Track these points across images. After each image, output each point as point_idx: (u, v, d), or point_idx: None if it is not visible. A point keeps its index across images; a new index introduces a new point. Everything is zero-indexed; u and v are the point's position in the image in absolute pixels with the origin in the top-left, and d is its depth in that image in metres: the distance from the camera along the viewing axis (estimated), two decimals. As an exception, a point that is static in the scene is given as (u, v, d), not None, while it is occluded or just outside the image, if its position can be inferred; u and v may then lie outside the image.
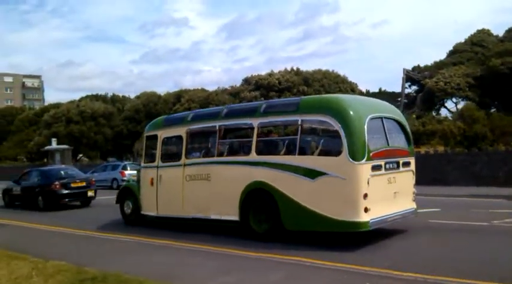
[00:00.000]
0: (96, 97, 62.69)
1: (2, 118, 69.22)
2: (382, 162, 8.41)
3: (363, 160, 7.98)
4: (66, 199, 16.97)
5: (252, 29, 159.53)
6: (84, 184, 17.64)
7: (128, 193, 12.01)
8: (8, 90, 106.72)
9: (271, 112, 9.38)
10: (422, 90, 51.29)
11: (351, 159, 7.95)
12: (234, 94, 52.71)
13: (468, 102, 45.07)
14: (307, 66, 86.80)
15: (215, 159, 9.97)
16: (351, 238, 8.61)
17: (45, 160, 43.93)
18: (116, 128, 49.20)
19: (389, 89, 58.47)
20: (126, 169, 26.39)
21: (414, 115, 45.67)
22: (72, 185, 17.19)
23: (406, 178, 9.20)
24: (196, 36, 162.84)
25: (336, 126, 8.19)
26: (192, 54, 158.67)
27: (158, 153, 11.14)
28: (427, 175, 21.12)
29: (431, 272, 6.26)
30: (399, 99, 53.65)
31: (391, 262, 6.98)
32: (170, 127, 11.15)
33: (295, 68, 55.09)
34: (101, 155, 49.21)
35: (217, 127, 10.05)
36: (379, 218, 8.23)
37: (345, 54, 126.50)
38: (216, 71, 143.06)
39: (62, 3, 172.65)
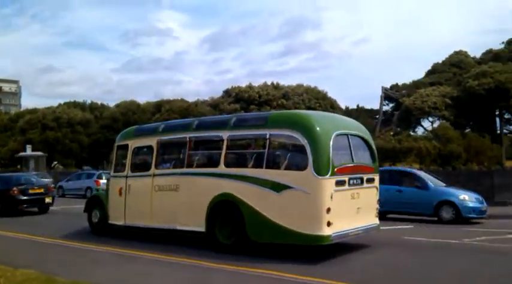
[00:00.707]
0: (74, 104, 61.95)
1: (-24, 123, 68.00)
2: (346, 178, 8.60)
3: (327, 175, 8.16)
4: (24, 205, 17.13)
5: (234, 42, 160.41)
6: (42, 191, 17.83)
7: (96, 202, 11.95)
8: None
9: (241, 126, 9.53)
10: (400, 108, 52.17)
11: (315, 174, 8.12)
12: (214, 106, 52.77)
13: (443, 121, 46.02)
14: (288, 81, 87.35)
15: (184, 170, 10.03)
16: (322, 250, 8.73)
17: (19, 166, 43.23)
18: (93, 136, 48.69)
19: (368, 106, 59.35)
20: (101, 178, 26.09)
21: (391, 133, 46.39)
22: (30, 191, 17.38)
23: (370, 194, 9.41)
24: (179, 46, 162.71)
25: (303, 141, 8.37)
26: (174, 65, 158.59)
27: (128, 162, 11.14)
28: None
29: None
30: (377, 116, 54.46)
31: (361, 276, 7.12)
32: (141, 138, 11.20)
33: (275, 82, 55.57)
34: (76, 163, 48.58)
35: (187, 139, 10.15)
36: (341, 233, 8.39)
37: (326, 70, 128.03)
38: (197, 82, 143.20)
39: (43, 8, 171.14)
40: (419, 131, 53.48)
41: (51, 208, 18.10)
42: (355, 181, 8.86)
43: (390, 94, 53.81)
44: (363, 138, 9.68)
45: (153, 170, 10.50)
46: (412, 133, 51.65)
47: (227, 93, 54.03)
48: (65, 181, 29.90)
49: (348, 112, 56.73)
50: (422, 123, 53.57)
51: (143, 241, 10.45)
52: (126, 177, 11.02)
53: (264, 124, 9.18)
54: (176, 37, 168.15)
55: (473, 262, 8.54)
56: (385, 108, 55.62)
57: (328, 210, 8.08)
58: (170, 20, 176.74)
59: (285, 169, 8.70)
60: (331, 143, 8.36)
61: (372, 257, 8.82)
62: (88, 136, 49.47)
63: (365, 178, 9.19)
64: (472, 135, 38.68)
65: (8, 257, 8.65)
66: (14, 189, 16.93)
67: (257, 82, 54.60)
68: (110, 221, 11.36)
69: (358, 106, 52.15)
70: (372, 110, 57.70)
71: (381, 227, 12.28)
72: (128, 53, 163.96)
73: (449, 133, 35.87)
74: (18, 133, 51.33)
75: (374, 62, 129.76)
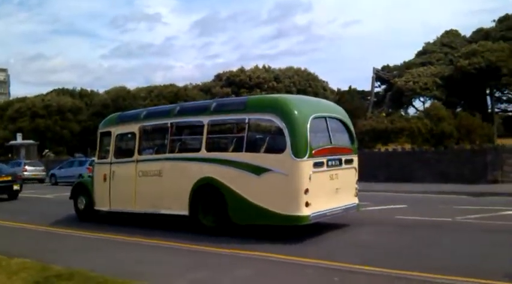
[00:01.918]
0: (63, 92, 61.44)
1: (-36, 112, 67.55)
2: (324, 159, 8.73)
3: (305, 157, 8.29)
4: None
5: (225, 26, 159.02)
6: (10, 178, 18.59)
7: (82, 189, 12.07)
8: None
9: (220, 111, 9.64)
10: (391, 89, 52.35)
11: (293, 156, 8.26)
12: (206, 90, 52.57)
13: (435, 101, 46.22)
14: (279, 64, 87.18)
15: (167, 155, 10.15)
16: (305, 230, 8.91)
17: (10, 155, 43.18)
18: (84, 123, 48.54)
19: (360, 88, 59.37)
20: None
21: (383, 114, 46.57)
22: None
23: (349, 174, 9.57)
24: (168, 32, 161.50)
25: (281, 124, 8.49)
26: (164, 50, 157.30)
27: (112, 149, 11.24)
28: (395, 173, 21.72)
29: (394, 267, 6.40)
30: (369, 97, 54.61)
31: (357, 258, 7.09)
32: (124, 124, 11.28)
33: (266, 65, 55.38)
34: (67, 150, 48.53)
35: (169, 124, 10.25)
36: (319, 212, 8.56)
37: (317, 52, 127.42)
38: (188, 67, 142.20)
39: None
40: (411, 111, 53.75)
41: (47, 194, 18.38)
42: (333, 162, 9.01)
43: (381, 75, 53.93)
44: (341, 120, 9.80)
45: (136, 156, 10.60)
46: (403, 114, 51.96)
47: (218, 77, 54.12)
48: (57, 168, 29.97)
49: (339, 94, 56.85)
50: (414, 104, 53.87)
51: (130, 226, 10.56)
52: (110, 163, 11.12)
53: (243, 108, 9.29)
54: (165, 23, 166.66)
55: (464, 239, 8.58)
56: (376, 89, 55.89)
57: (306, 190, 8.23)
58: (159, 5, 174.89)
59: (264, 152, 8.83)
60: (308, 126, 8.48)
61: (370, 238, 8.82)
62: (79, 123, 49.33)
63: (343, 159, 9.34)
64: (463, 113, 38.80)
65: (2, 246, 8.66)
66: None
67: (248, 66, 54.55)
68: (95, 207, 11.51)
69: (350, 88, 52.15)
70: (363, 92, 57.78)
71: (375, 207, 12.63)
72: (117, 38, 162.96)
73: (440, 113, 35.96)
74: (8, 122, 51.06)
75: (365, 43, 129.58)
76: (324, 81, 55.82)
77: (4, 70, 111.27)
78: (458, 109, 46.31)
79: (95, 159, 12.00)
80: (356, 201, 9.86)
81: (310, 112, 8.79)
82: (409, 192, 17.14)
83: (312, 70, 55.66)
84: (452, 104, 46.64)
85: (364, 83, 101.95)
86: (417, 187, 18.39)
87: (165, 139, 10.45)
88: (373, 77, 52.60)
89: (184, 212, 9.57)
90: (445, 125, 34.05)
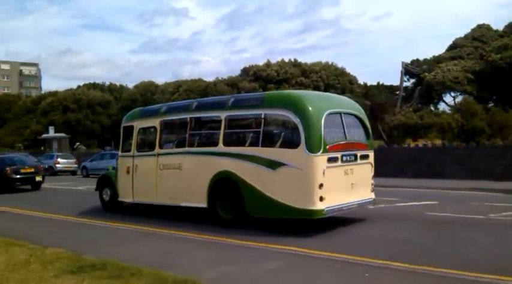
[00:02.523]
0: (93, 86, 62.93)
1: (-1, 106, 69.95)
2: (338, 155, 8.86)
3: (319, 153, 8.44)
4: (18, 183, 19.38)
5: (251, 20, 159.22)
6: (33, 170, 20.00)
7: (107, 181, 12.54)
8: (5, 77, 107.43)
9: (238, 106, 9.86)
10: (421, 83, 51.44)
11: (307, 151, 8.42)
12: (232, 85, 52.68)
13: (466, 95, 45.28)
14: (306, 59, 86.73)
15: (186, 149, 10.45)
16: (330, 225, 9.05)
17: (42, 148, 44.55)
18: (114, 117, 49.61)
19: (388, 82, 58.58)
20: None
21: (411, 109, 45.92)
22: (22, 171, 19.55)
23: (364, 170, 9.66)
24: (195, 26, 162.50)
25: (295, 120, 8.65)
26: (191, 45, 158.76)
27: (134, 143, 11.65)
28: (424, 168, 21.55)
29: (428, 264, 6.30)
30: (397, 92, 53.83)
31: (385, 253, 7.00)
32: (145, 119, 11.65)
33: (293, 60, 54.74)
34: (98, 143, 49.75)
35: (188, 119, 10.55)
36: (334, 207, 8.70)
37: (345, 47, 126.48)
38: (215, 61, 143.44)
39: None
40: (441, 107, 52.71)
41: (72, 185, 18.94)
42: (348, 157, 9.12)
43: (411, 69, 53.03)
44: (356, 116, 9.88)
45: (157, 150, 10.95)
46: (433, 109, 51.05)
47: (245, 71, 53.89)
48: (88, 161, 30.85)
49: (367, 89, 56.22)
50: (444, 98, 52.77)
51: (154, 217, 10.91)
52: (133, 156, 11.52)
53: (259, 104, 9.48)
54: (192, 17, 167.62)
55: (499, 236, 8.43)
56: (405, 84, 54.88)
57: (321, 185, 8.38)
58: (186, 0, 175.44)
59: (280, 147, 9.03)
60: (322, 121, 8.61)
61: (400, 235, 8.69)
62: (109, 117, 50.48)
63: (359, 155, 9.43)
64: (495, 109, 37.96)
65: (32, 236, 8.92)
66: (7, 168, 19.13)
67: (274, 60, 53.98)
68: (119, 199, 11.96)
69: (378, 83, 51.56)
70: (392, 86, 56.98)
71: (405, 203, 12.60)
72: (145, 33, 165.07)
73: (473, 108, 35.25)
74: (40, 116, 52.64)
75: (394, 37, 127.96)
76: (352, 76, 55.30)
77: (35, 64, 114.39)
78: (490, 105, 45.29)
79: (119, 152, 12.43)
80: (372, 196, 9.94)
81: (324, 108, 8.91)
82: (439, 188, 16.81)
83: (340, 64, 55.19)
84: (484, 99, 45.58)
85: (393, 78, 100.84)
86: (447, 183, 18.10)
87: (184, 133, 10.73)
88: (402, 71, 51.70)
89: (203, 204, 9.86)
90: (476, 121, 33.43)
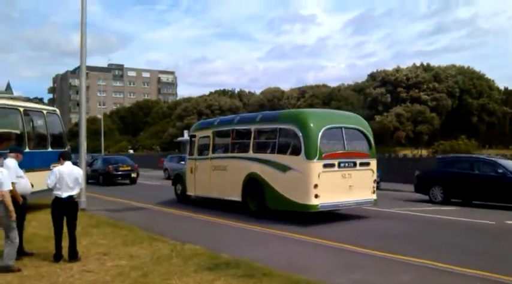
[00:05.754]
0: (223, 92, 68.47)
1: (140, 111, 79.12)
2: (335, 161, 10.95)
3: (315, 159, 10.67)
4: (119, 178, 24.35)
5: (380, 23, 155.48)
6: (129, 168, 24.98)
7: (179, 178, 15.90)
8: (146, 84, 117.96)
9: (263, 121, 12.49)
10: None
11: (305, 158, 10.73)
12: (358, 90, 52.69)
13: None
14: (438, 62, 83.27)
15: (228, 154, 13.28)
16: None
17: (177, 150, 49.96)
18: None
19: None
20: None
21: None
22: (121, 168, 24.65)
23: (364, 175, 11.58)
24: (321, 32, 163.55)
25: (298, 133, 11.02)
26: (317, 51, 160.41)
27: (196, 148, 14.76)
28: None
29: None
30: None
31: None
32: (203, 130, 14.74)
33: (424, 63, 53.22)
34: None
35: (230, 130, 13.38)
36: (329, 204, 10.90)
37: (481, 48, 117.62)
38: (340, 67, 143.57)
39: (195, 2, 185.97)
40: None
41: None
42: (346, 164, 11.15)
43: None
44: (359, 130, 11.92)
45: (210, 154, 13.93)
46: None
47: (372, 76, 53.45)
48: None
49: (507, 94, 53.10)
50: None
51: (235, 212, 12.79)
52: (195, 159, 14.64)
53: (276, 120, 12.05)
54: (319, 23, 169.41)
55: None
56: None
57: (316, 185, 10.59)
58: (313, 6, 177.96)
59: (289, 154, 11.38)
60: (320, 134, 10.82)
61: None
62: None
63: (358, 162, 11.37)
64: None
65: (173, 232, 9.55)
66: (110, 166, 24.42)
67: (404, 65, 52.66)
68: (187, 193, 15.16)
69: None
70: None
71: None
72: (272, 41, 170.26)
73: None
74: (176, 120, 58.96)
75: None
76: (490, 80, 52.71)
77: (172, 72, 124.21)
78: None
79: (187, 155, 15.69)
80: (373, 197, 11.78)
81: (324, 124, 11.11)
82: None
83: (476, 68, 52.73)
84: None
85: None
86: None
87: (228, 141, 13.56)
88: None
89: (238, 199, 12.55)
90: None
